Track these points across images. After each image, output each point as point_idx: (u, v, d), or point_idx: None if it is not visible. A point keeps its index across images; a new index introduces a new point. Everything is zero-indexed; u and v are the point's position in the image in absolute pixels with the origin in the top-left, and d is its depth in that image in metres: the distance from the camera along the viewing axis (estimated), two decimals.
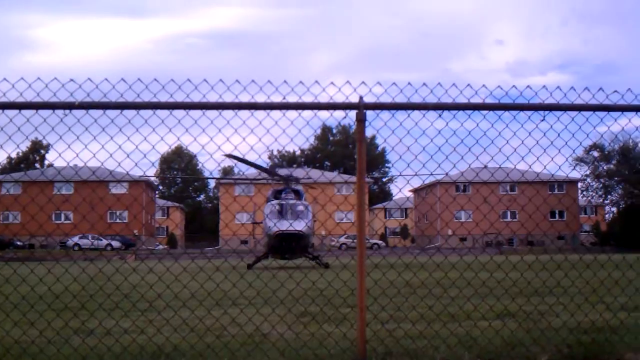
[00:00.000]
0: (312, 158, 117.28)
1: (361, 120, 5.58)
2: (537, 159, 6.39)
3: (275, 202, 29.06)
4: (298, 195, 30.21)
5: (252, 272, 6.20)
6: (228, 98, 5.58)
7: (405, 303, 6.99)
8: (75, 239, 63.25)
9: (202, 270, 5.60)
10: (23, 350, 5.33)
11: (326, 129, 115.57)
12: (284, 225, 25.95)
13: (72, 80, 5.64)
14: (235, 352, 5.35)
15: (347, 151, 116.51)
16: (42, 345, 5.54)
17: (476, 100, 6.01)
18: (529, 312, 6.71)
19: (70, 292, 6.06)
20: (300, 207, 28.59)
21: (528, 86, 6.10)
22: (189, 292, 5.74)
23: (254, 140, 6.04)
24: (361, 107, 5.58)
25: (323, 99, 5.68)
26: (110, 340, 5.64)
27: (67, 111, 5.56)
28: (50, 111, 5.59)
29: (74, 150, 5.74)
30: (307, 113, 5.93)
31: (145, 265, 5.66)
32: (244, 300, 6.67)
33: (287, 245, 26.63)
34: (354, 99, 5.63)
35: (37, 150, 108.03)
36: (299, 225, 26.33)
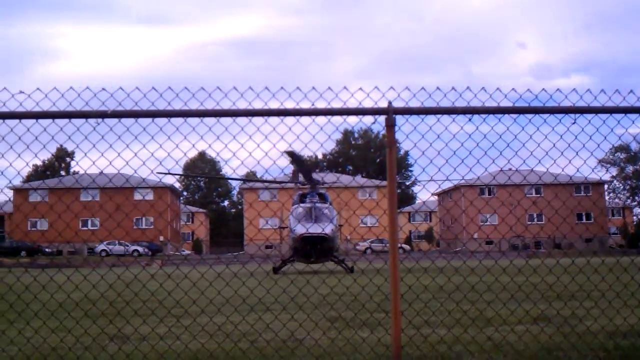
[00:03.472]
0: (334, 162, 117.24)
1: (391, 126, 5.55)
2: (570, 161, 6.32)
3: (300, 205, 29.10)
4: (323, 198, 30.21)
5: (285, 278, 6.21)
6: (257, 105, 5.60)
7: (440, 308, 6.93)
8: (103, 246, 63.81)
9: (236, 276, 5.60)
10: (60, 357, 5.37)
11: (348, 133, 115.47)
12: (309, 228, 25.93)
13: (104, 89, 5.69)
14: (270, 358, 5.34)
15: (369, 155, 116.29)
16: (79, 352, 5.59)
17: (506, 104, 5.98)
18: (566, 316, 6.62)
19: (106, 299, 6.11)
20: (326, 211, 28.57)
21: (558, 89, 6.05)
22: (223, 298, 5.74)
23: (284, 146, 6.07)
24: (390, 112, 5.55)
25: (350, 104, 5.67)
26: (146, 347, 5.67)
27: (100, 120, 5.62)
28: (83, 120, 5.65)
29: (103, 158, 5.80)
30: (335, 118, 5.93)
31: (180, 272, 5.68)
32: (278, 306, 6.66)
33: (312, 248, 26.62)
34: (382, 104, 5.62)
35: (62, 157, 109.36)
36: (324, 228, 26.29)
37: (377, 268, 6.16)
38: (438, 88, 5.95)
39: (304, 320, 6.49)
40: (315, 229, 25.97)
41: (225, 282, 5.59)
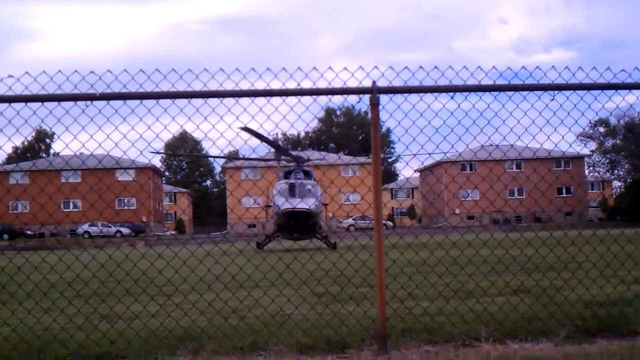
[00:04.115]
0: (316, 140, 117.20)
1: (375, 104, 5.69)
2: (548, 137, 6.51)
3: (284, 181, 29.16)
4: (308, 175, 30.29)
5: (273, 255, 6.35)
6: (244, 85, 5.70)
7: (423, 281, 7.14)
8: (85, 227, 63.57)
9: (225, 254, 5.75)
10: (53, 336, 5.49)
11: (330, 111, 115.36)
12: (293, 203, 26.00)
13: (92, 72, 5.76)
14: (259, 333, 5.51)
15: (352, 132, 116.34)
16: (72, 331, 5.71)
17: (486, 82, 6.13)
18: (545, 287, 6.85)
19: (98, 279, 6.23)
20: (309, 186, 28.63)
21: (537, 67, 6.24)
22: (213, 276, 5.89)
23: (271, 126, 6.20)
24: (375, 91, 5.69)
25: (335, 84, 5.80)
26: (138, 324, 5.81)
27: (89, 102, 5.69)
28: (72, 103, 5.73)
29: (92, 140, 5.88)
30: (320, 98, 6.06)
31: (170, 251, 5.81)
32: (267, 282, 6.83)
33: (296, 223, 26.68)
34: (367, 83, 5.75)
35: (42, 139, 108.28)
36: (307, 204, 26.34)
37: (362, 244, 6.33)
38: (421, 67, 6.08)
39: (292, 295, 6.66)
40: (298, 204, 26.03)
41: (214, 260, 5.73)
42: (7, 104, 5.66)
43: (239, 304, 6.23)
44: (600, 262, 7.12)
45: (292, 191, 28.01)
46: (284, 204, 26.80)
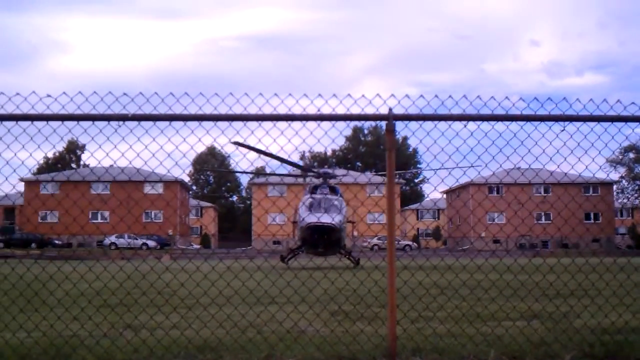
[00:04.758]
0: (343, 159, 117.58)
1: (391, 131, 5.96)
2: (579, 159, 6.53)
3: (311, 195, 29.15)
4: (334, 191, 30.26)
5: (290, 272, 6.60)
6: (266, 109, 6.03)
7: (434, 303, 7.36)
8: (112, 238, 64.38)
9: (244, 269, 6.05)
10: (81, 342, 5.84)
11: (357, 130, 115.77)
12: (318, 218, 25.87)
13: (125, 94, 6.16)
14: (274, 347, 5.77)
15: (379, 151, 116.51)
16: (98, 338, 6.05)
17: (511, 106, 6.32)
18: (564, 312, 6.99)
19: (125, 289, 6.57)
20: (335, 202, 28.54)
21: (564, 98, 6.34)
22: (232, 290, 6.20)
23: (291, 148, 6.52)
24: (390, 118, 5.97)
25: (356, 107, 6.10)
26: (160, 333, 6.13)
27: (121, 122, 6.07)
28: (106, 122, 6.11)
29: (113, 156, 6.22)
30: (339, 123, 6.36)
31: (192, 265, 6.14)
32: (283, 298, 7.10)
33: (320, 238, 26.55)
34: (385, 110, 6.04)
35: (73, 150, 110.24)
36: (332, 219, 26.30)
37: (375, 264, 6.59)
38: (436, 96, 6.40)
39: (307, 311, 6.93)
40: (324, 218, 25.84)
41: (234, 274, 6.04)
42: (44, 122, 6.06)
43: (256, 318, 6.51)
44: (606, 290, 7.27)
45: (317, 206, 27.93)
46: (309, 217, 26.71)
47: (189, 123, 6.14)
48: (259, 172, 61.94)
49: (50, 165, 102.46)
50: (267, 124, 6.15)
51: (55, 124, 6.06)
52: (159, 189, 76.17)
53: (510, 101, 6.31)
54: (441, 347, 5.83)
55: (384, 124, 6.06)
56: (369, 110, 6.12)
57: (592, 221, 78.30)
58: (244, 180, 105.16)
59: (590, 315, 6.60)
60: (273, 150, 6.28)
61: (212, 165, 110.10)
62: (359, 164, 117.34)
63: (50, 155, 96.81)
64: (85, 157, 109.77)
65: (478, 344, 5.93)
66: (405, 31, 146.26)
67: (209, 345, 5.79)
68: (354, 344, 5.84)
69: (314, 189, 30.13)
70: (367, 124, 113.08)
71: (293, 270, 8.47)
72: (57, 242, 65.81)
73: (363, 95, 6.18)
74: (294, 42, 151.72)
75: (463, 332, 6.28)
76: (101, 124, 6.11)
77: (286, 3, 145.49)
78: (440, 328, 6.44)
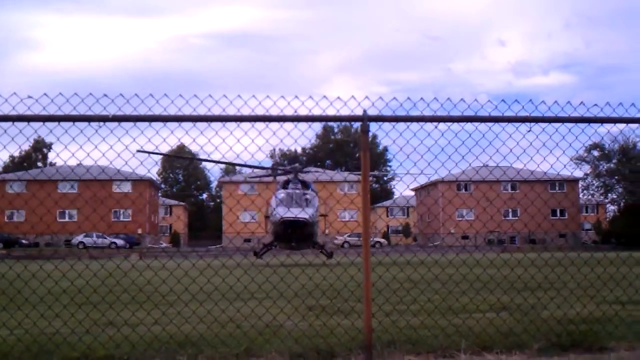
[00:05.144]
0: (313, 157, 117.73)
1: (365, 132, 6.18)
2: (545, 159, 6.81)
3: (282, 190, 29.12)
4: (306, 186, 30.27)
5: (268, 268, 6.73)
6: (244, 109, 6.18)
7: (407, 296, 7.60)
8: (80, 238, 63.60)
9: (224, 266, 6.21)
10: (63, 339, 5.94)
11: (328, 128, 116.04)
12: (289, 213, 25.95)
13: (105, 95, 6.25)
14: (254, 340, 5.94)
15: (349, 149, 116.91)
16: (80, 334, 6.15)
17: (480, 107, 6.56)
18: (533, 304, 7.27)
19: (107, 287, 6.67)
20: (307, 196, 28.56)
21: (530, 100, 6.55)
22: (212, 286, 6.35)
23: (268, 148, 6.68)
24: (365, 119, 6.18)
25: (331, 108, 6.29)
26: (142, 329, 6.25)
27: (102, 123, 6.16)
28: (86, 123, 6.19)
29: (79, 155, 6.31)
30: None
31: (173, 263, 6.27)
32: (262, 293, 7.28)
33: (293, 232, 26.60)
34: (359, 111, 6.25)
35: (40, 149, 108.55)
36: (304, 213, 26.29)
37: (351, 260, 6.80)
38: (409, 98, 6.64)
39: (285, 306, 7.11)
40: (296, 212, 25.97)
41: (214, 271, 6.19)
42: (25, 123, 6.13)
43: (236, 313, 6.66)
44: (571, 282, 7.59)
45: (289, 200, 27.90)
46: (281, 211, 26.61)
47: (156, 124, 6.24)
48: (230, 163, 61.70)
49: (16, 165, 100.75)
50: (245, 125, 6.30)
51: (21, 124, 6.11)
52: (128, 187, 75.42)
53: (479, 102, 6.55)
54: (415, 339, 6.06)
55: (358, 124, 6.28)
56: (344, 112, 6.32)
57: (558, 217, 79.74)
58: (216, 171, 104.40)
59: (557, 307, 6.90)
60: (252, 149, 6.41)
61: (181, 164, 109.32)
62: (328, 162, 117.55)
63: (16, 154, 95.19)
64: (52, 156, 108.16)
65: (450, 335, 6.17)
66: (375, 31, 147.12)
67: (190, 340, 5.94)
68: (331, 337, 6.03)
69: (285, 184, 30.11)
70: (338, 123, 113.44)
71: (272, 267, 8.63)
72: (24, 241, 64.78)
73: (338, 97, 6.37)
74: (263, 40, 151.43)
75: (436, 324, 6.52)
76: (67, 124, 6.19)
77: (255, 1, 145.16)
78: (413, 320, 6.67)
